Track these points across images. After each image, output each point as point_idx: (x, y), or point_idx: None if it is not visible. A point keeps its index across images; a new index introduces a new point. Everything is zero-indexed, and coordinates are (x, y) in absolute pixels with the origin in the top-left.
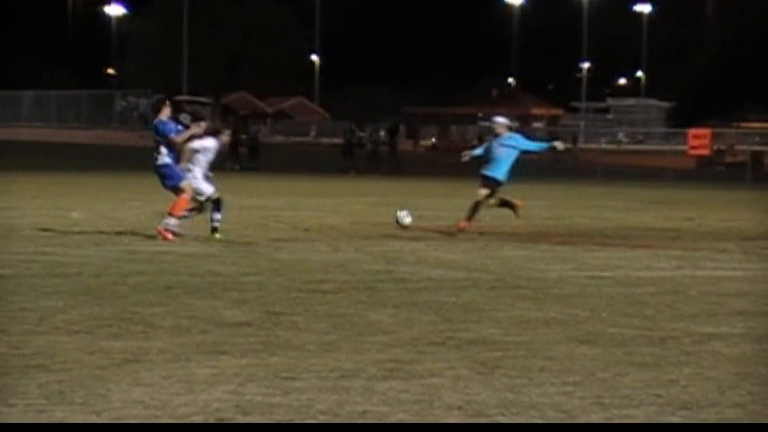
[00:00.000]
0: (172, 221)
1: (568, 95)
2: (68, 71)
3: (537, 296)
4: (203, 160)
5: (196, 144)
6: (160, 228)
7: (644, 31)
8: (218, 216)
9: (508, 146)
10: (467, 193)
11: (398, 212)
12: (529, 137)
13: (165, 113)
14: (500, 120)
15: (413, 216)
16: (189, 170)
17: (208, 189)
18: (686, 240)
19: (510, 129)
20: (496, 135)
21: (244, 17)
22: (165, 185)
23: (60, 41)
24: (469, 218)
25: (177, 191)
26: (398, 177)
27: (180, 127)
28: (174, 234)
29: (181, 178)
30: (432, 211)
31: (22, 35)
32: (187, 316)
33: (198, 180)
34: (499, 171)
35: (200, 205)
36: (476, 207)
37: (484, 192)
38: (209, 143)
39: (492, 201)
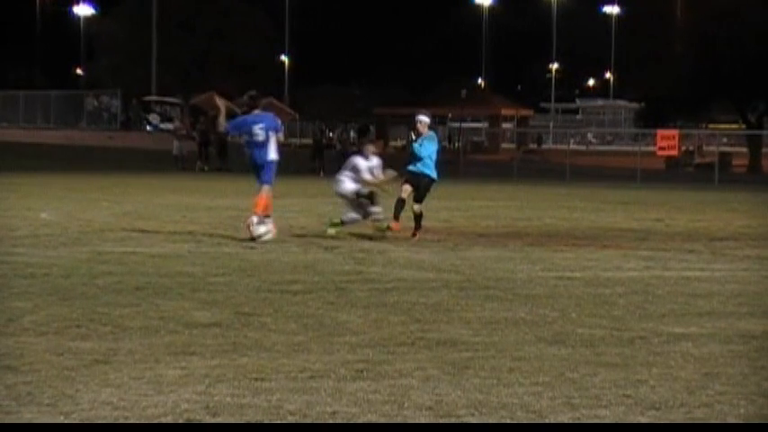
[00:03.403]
0: (254, 220)
1: (538, 96)
2: (37, 71)
3: (506, 297)
4: (356, 171)
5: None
6: (249, 225)
7: (613, 32)
8: (375, 209)
9: (428, 146)
10: (435, 193)
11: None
12: (437, 145)
13: (258, 109)
14: (423, 118)
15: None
16: (342, 180)
17: (351, 187)
18: (655, 241)
19: (430, 127)
20: (420, 134)
21: (213, 17)
22: (261, 178)
23: (28, 41)
24: (397, 217)
25: (265, 186)
26: None
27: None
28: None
29: (272, 179)
30: (403, 212)
31: None
32: (156, 317)
33: (345, 184)
34: (428, 168)
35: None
36: (400, 205)
37: (408, 188)
38: (358, 160)
39: (415, 207)
